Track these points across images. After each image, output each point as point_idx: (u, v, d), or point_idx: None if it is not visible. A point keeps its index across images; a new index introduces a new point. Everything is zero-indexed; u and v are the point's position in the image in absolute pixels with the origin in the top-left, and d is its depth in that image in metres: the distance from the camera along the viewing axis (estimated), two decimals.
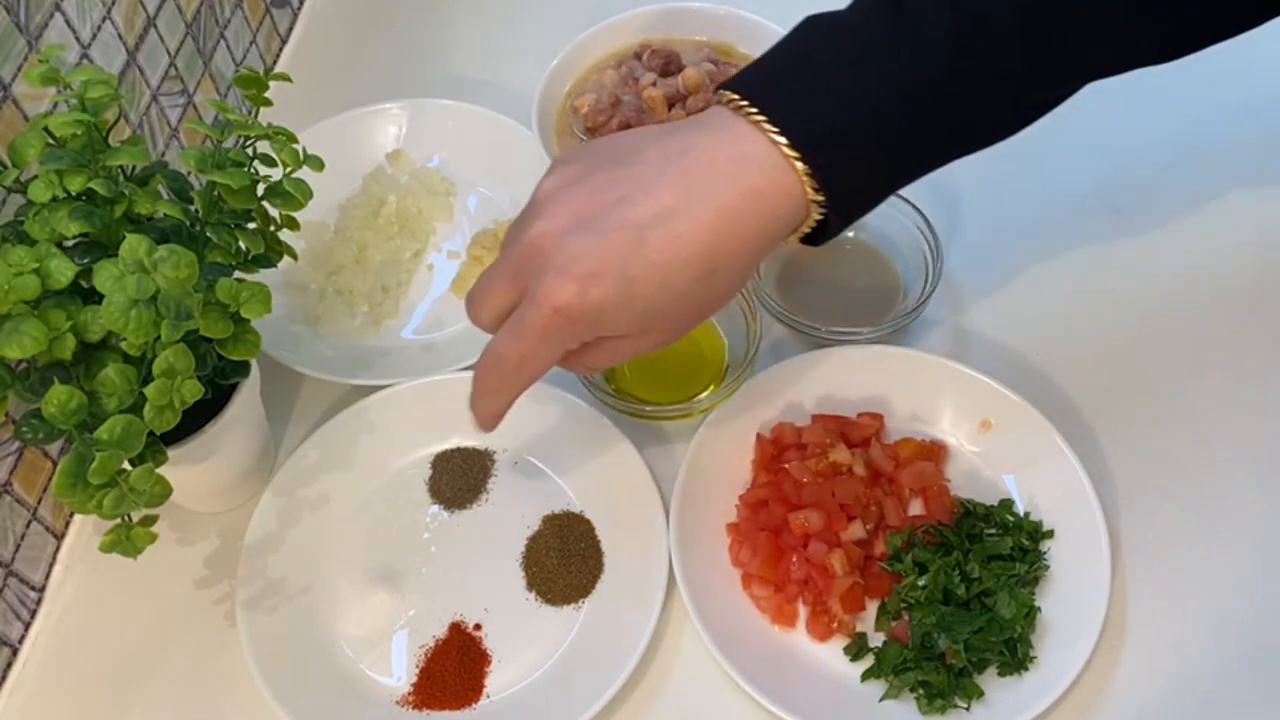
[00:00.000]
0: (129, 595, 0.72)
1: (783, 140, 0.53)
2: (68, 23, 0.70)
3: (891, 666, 0.65)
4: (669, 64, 0.86)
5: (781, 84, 0.55)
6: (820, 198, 0.55)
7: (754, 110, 0.54)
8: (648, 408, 0.75)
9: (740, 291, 0.76)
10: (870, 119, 0.55)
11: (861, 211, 0.59)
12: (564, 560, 0.71)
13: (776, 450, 0.73)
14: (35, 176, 0.60)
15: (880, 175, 0.58)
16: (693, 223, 0.53)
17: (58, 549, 0.73)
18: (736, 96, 0.55)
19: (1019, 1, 0.55)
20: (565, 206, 0.54)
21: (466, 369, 0.76)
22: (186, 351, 0.57)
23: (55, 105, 0.68)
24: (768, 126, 0.53)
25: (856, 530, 0.68)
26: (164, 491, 0.59)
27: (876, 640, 0.67)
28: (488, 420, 0.61)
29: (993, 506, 0.70)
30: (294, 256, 0.72)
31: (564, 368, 0.59)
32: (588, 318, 0.54)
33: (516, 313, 0.56)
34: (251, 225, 0.66)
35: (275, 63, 0.99)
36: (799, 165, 0.54)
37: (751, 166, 0.54)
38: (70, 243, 0.60)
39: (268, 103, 0.66)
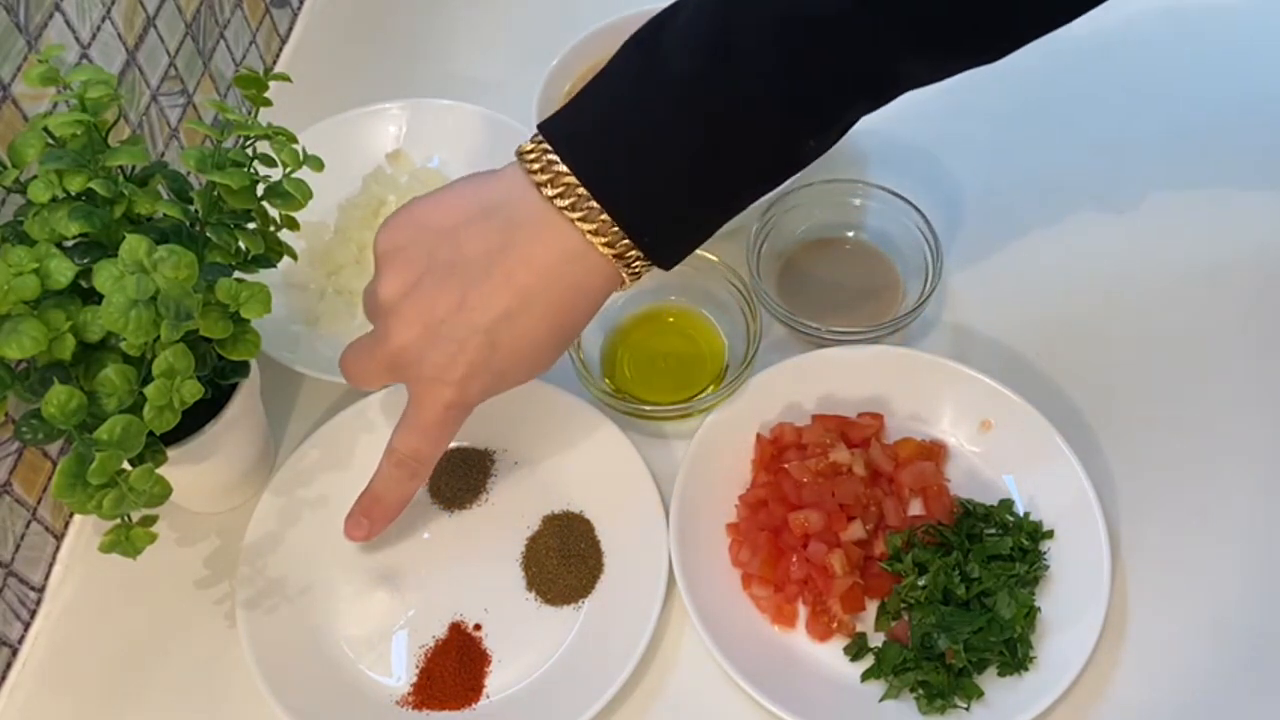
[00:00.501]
0: (129, 595, 0.72)
1: (596, 239, 0.57)
2: (67, 23, 0.70)
3: (891, 666, 0.65)
4: None
5: (592, 145, 0.57)
6: (639, 267, 0.59)
7: (561, 197, 0.57)
8: (648, 408, 0.74)
9: (740, 291, 0.76)
10: (670, 176, 0.57)
11: (685, 254, 0.62)
12: (564, 560, 0.71)
13: (776, 450, 0.73)
14: (35, 176, 0.60)
15: (694, 226, 0.61)
16: (533, 319, 0.59)
17: (57, 549, 0.73)
18: (537, 169, 0.58)
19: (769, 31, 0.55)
20: (413, 317, 0.60)
21: None
22: (186, 351, 0.57)
23: (55, 105, 0.68)
24: (581, 224, 0.57)
25: (856, 530, 0.68)
26: (164, 491, 0.59)
27: (876, 640, 0.67)
28: (388, 517, 0.69)
29: (993, 506, 0.70)
30: (294, 256, 0.72)
31: None
32: (472, 405, 0.63)
33: (409, 417, 0.64)
34: (251, 225, 0.66)
35: (275, 63, 0.99)
36: (612, 256, 0.58)
37: (574, 263, 0.58)
38: (70, 243, 0.60)
39: (268, 103, 0.66)
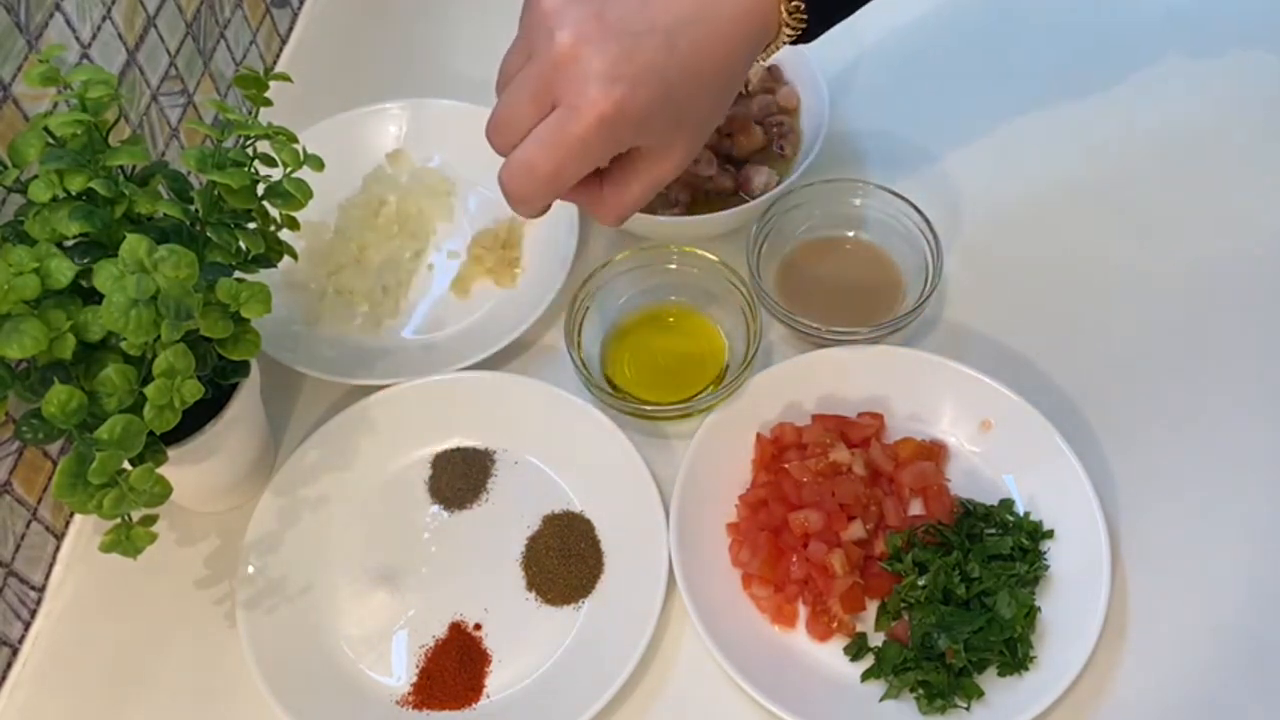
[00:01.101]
0: (129, 595, 0.72)
1: None
2: (68, 22, 0.70)
3: (891, 666, 0.65)
4: None
5: None
6: (794, 20, 0.60)
7: None
8: (648, 408, 0.75)
9: (740, 291, 0.76)
10: None
11: (838, 18, 0.63)
12: (564, 560, 0.71)
13: (776, 450, 0.73)
14: (35, 176, 0.60)
15: None
16: (713, 29, 0.57)
17: (58, 549, 0.73)
18: None
19: None
20: (585, 11, 0.55)
21: (466, 369, 0.76)
22: (186, 351, 0.57)
23: (55, 105, 0.68)
24: None
25: (856, 530, 0.68)
26: (164, 491, 0.59)
27: (876, 640, 0.67)
28: (532, 214, 0.62)
29: (993, 506, 0.70)
30: (294, 256, 0.72)
31: (593, 212, 0.63)
32: (631, 123, 0.56)
33: (550, 124, 0.56)
34: (251, 225, 0.66)
35: (275, 63, 0.99)
36: None
37: None
38: (70, 243, 0.60)
39: (268, 103, 0.66)
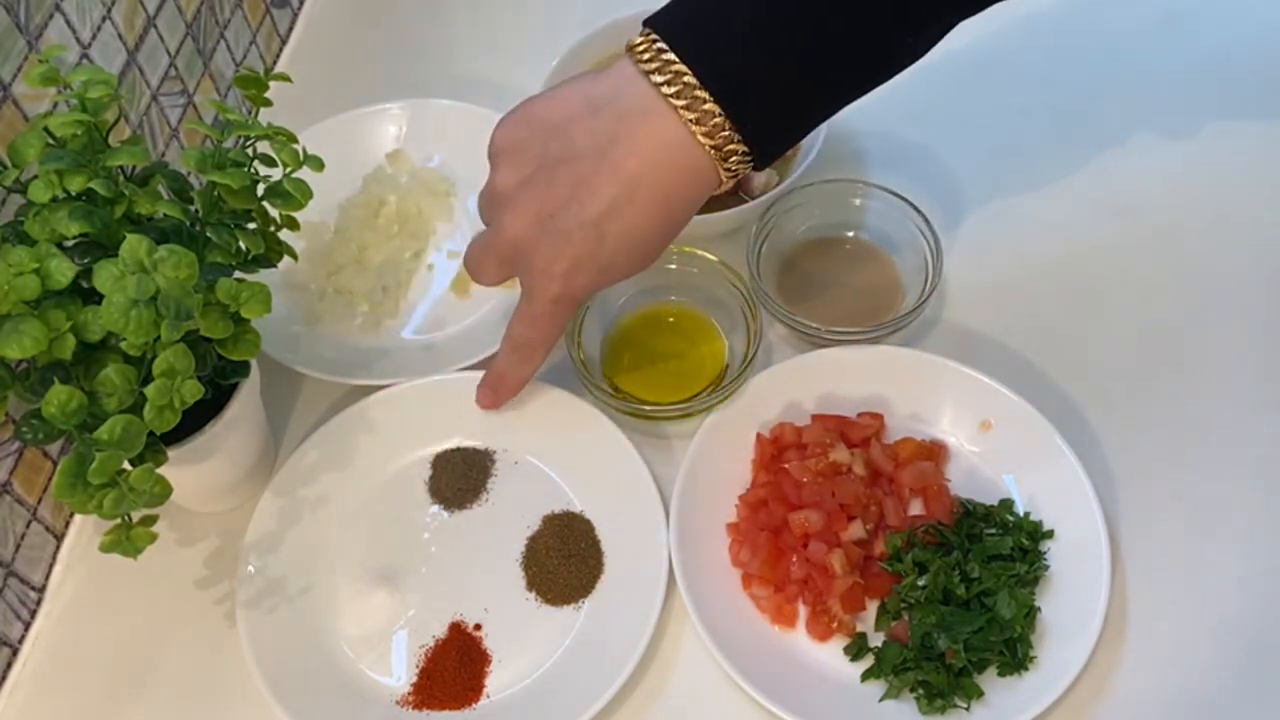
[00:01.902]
0: (129, 595, 0.72)
1: (698, 130, 0.59)
2: (68, 23, 0.70)
3: (891, 666, 0.65)
4: None
5: (698, 32, 0.60)
6: (735, 163, 0.61)
7: (669, 84, 0.59)
8: (648, 408, 0.75)
9: (740, 291, 0.76)
10: (775, 60, 0.59)
11: (784, 150, 0.66)
12: (564, 560, 0.71)
13: (776, 450, 0.73)
14: (35, 176, 0.60)
15: (796, 115, 0.63)
16: (640, 209, 0.61)
17: (58, 549, 0.73)
18: (646, 58, 0.60)
19: None
20: (525, 209, 0.63)
21: (466, 369, 0.76)
22: (186, 351, 0.57)
23: (55, 105, 0.68)
24: (684, 114, 0.59)
25: (856, 530, 0.68)
26: (164, 491, 0.59)
27: (876, 640, 0.67)
28: (510, 392, 0.74)
29: (993, 506, 0.70)
30: (294, 256, 0.72)
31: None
32: (578, 298, 0.65)
33: (521, 307, 0.67)
34: (251, 225, 0.66)
35: (275, 63, 0.99)
36: (711, 149, 0.60)
37: (676, 153, 0.60)
38: (70, 243, 0.60)
39: (268, 103, 0.66)
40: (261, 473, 0.75)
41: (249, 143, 0.64)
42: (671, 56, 0.59)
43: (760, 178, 0.82)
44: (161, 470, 0.59)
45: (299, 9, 1.03)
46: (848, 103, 0.64)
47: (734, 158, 0.61)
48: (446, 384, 0.76)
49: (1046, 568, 0.68)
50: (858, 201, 0.81)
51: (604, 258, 0.62)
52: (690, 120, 0.59)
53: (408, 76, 0.97)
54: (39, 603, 0.72)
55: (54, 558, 0.73)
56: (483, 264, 0.68)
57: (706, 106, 0.58)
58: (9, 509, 0.68)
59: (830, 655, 0.67)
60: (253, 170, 0.64)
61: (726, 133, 0.59)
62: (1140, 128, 0.89)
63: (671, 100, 0.59)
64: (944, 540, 0.68)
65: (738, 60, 0.59)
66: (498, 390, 0.73)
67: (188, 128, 0.85)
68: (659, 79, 0.59)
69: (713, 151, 0.60)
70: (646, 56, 0.60)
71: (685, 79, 0.58)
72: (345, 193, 0.87)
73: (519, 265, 0.65)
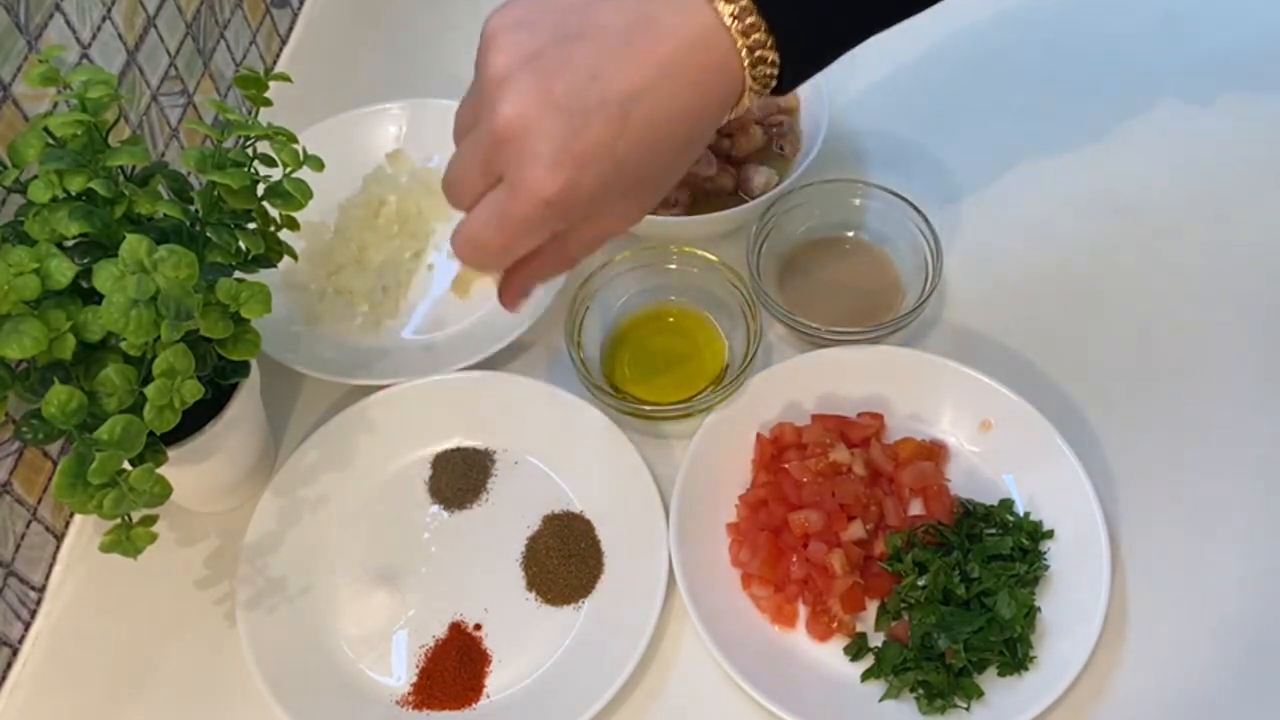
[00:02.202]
0: (129, 595, 0.72)
1: (734, 23, 0.53)
2: (68, 23, 0.70)
3: (891, 666, 0.65)
4: None
5: None
6: (762, 71, 0.55)
7: None
8: (648, 408, 0.75)
9: (740, 291, 0.76)
10: None
11: (811, 72, 0.59)
12: (564, 560, 0.71)
13: (776, 450, 0.73)
14: (35, 176, 0.60)
15: (830, 32, 0.58)
16: (670, 98, 0.53)
17: (58, 549, 0.73)
18: None
19: None
20: (531, 84, 0.52)
21: (466, 369, 0.76)
22: (186, 351, 0.57)
23: (55, 105, 0.68)
24: (722, 5, 0.53)
25: (856, 530, 0.68)
26: (164, 491, 0.59)
27: (876, 640, 0.67)
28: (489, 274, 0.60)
29: (993, 506, 0.70)
30: (294, 256, 0.72)
31: (539, 266, 0.60)
32: (579, 203, 0.53)
33: (497, 201, 0.54)
34: (251, 225, 0.66)
35: (275, 63, 0.99)
36: (744, 48, 0.54)
37: (709, 46, 0.53)
38: (70, 243, 0.60)
39: (268, 103, 0.66)
40: (261, 473, 0.75)
41: (249, 143, 0.64)
42: None
43: (760, 178, 0.82)
44: (161, 470, 0.59)
45: (299, 9, 1.03)
46: (883, 26, 0.59)
47: (762, 65, 0.54)
48: (446, 384, 0.76)
49: (1046, 568, 0.68)
50: (858, 201, 0.81)
51: (621, 150, 0.53)
52: (728, 13, 0.53)
53: (408, 76, 0.97)
54: (39, 603, 0.72)
55: (54, 558, 0.73)
56: (463, 171, 0.56)
57: (743, 2, 0.53)
58: (9, 509, 0.68)
59: (830, 655, 0.67)
60: (253, 170, 0.64)
61: (760, 35, 0.53)
62: (1140, 128, 0.89)
63: None
64: (944, 540, 0.68)
65: None
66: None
67: (188, 128, 0.85)
68: None
69: (745, 52, 0.54)
70: None
71: None
72: (345, 193, 0.87)
73: (508, 158, 0.53)
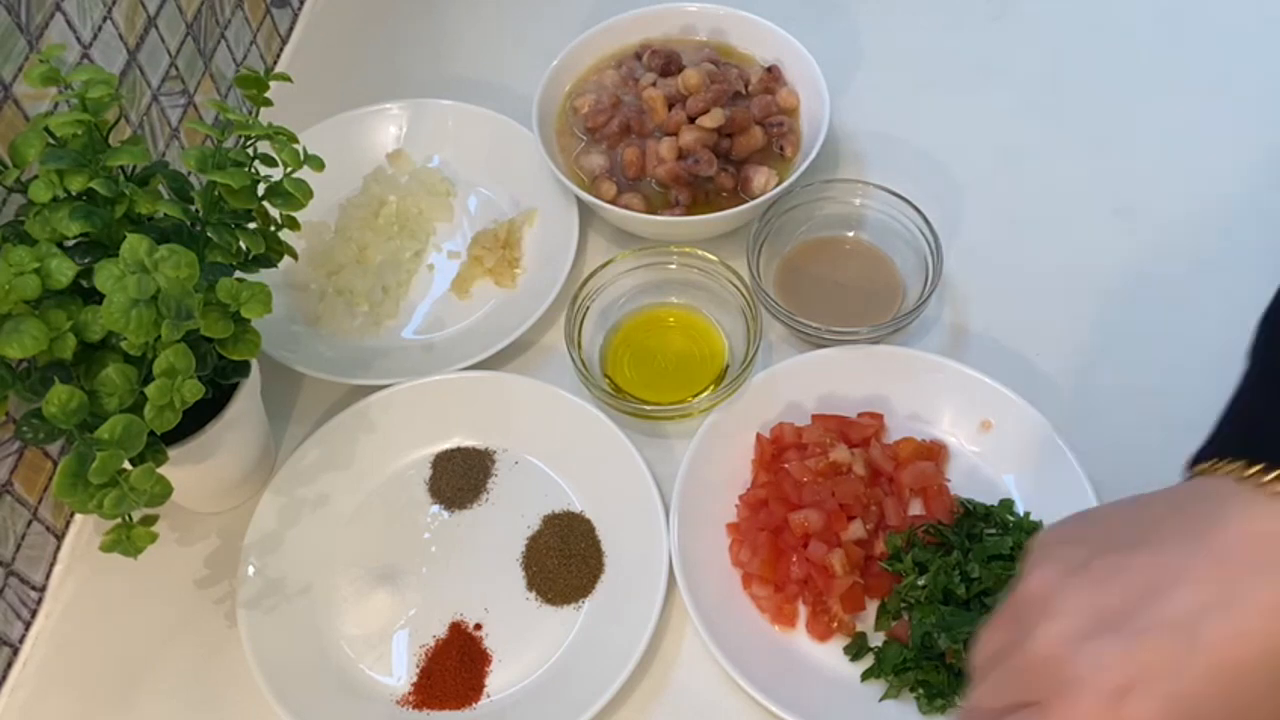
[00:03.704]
0: (129, 595, 0.72)
1: None
2: (68, 23, 0.70)
3: (891, 666, 0.65)
4: (669, 64, 0.86)
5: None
6: None
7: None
8: (648, 408, 0.75)
9: (740, 291, 0.76)
10: None
11: None
12: (564, 560, 0.71)
13: (776, 450, 0.73)
14: (36, 176, 0.60)
15: None
16: (1256, 613, 0.42)
17: (58, 549, 0.73)
18: (1241, 465, 0.47)
19: None
20: (1078, 602, 0.45)
21: (466, 369, 0.76)
22: (187, 351, 0.57)
23: (56, 105, 0.68)
24: None
25: (856, 530, 0.68)
26: (164, 491, 0.59)
27: (876, 640, 0.67)
28: None
29: (993, 506, 0.70)
30: (294, 256, 0.72)
31: None
32: None
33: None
34: (252, 225, 0.66)
35: (275, 63, 0.99)
36: None
37: None
38: (70, 243, 0.60)
39: (268, 103, 0.66)
40: (261, 473, 0.75)
41: (249, 143, 0.64)
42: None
43: (760, 178, 0.82)
44: (162, 470, 0.59)
45: (299, 9, 1.03)
46: None
47: None
48: (446, 384, 0.76)
49: None
50: (858, 201, 0.81)
51: (1186, 679, 0.42)
52: None
53: (408, 76, 0.97)
54: (39, 602, 0.72)
55: (54, 557, 0.73)
56: (991, 690, 0.47)
57: None
58: (9, 509, 0.68)
59: (830, 655, 0.67)
60: (253, 170, 0.64)
61: None
62: (1140, 128, 0.89)
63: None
64: (944, 540, 0.68)
65: None
66: None
67: (188, 128, 0.85)
68: (1267, 477, 0.45)
69: None
70: (1253, 470, 0.46)
71: None
72: (345, 193, 0.87)
73: (1044, 687, 0.45)
